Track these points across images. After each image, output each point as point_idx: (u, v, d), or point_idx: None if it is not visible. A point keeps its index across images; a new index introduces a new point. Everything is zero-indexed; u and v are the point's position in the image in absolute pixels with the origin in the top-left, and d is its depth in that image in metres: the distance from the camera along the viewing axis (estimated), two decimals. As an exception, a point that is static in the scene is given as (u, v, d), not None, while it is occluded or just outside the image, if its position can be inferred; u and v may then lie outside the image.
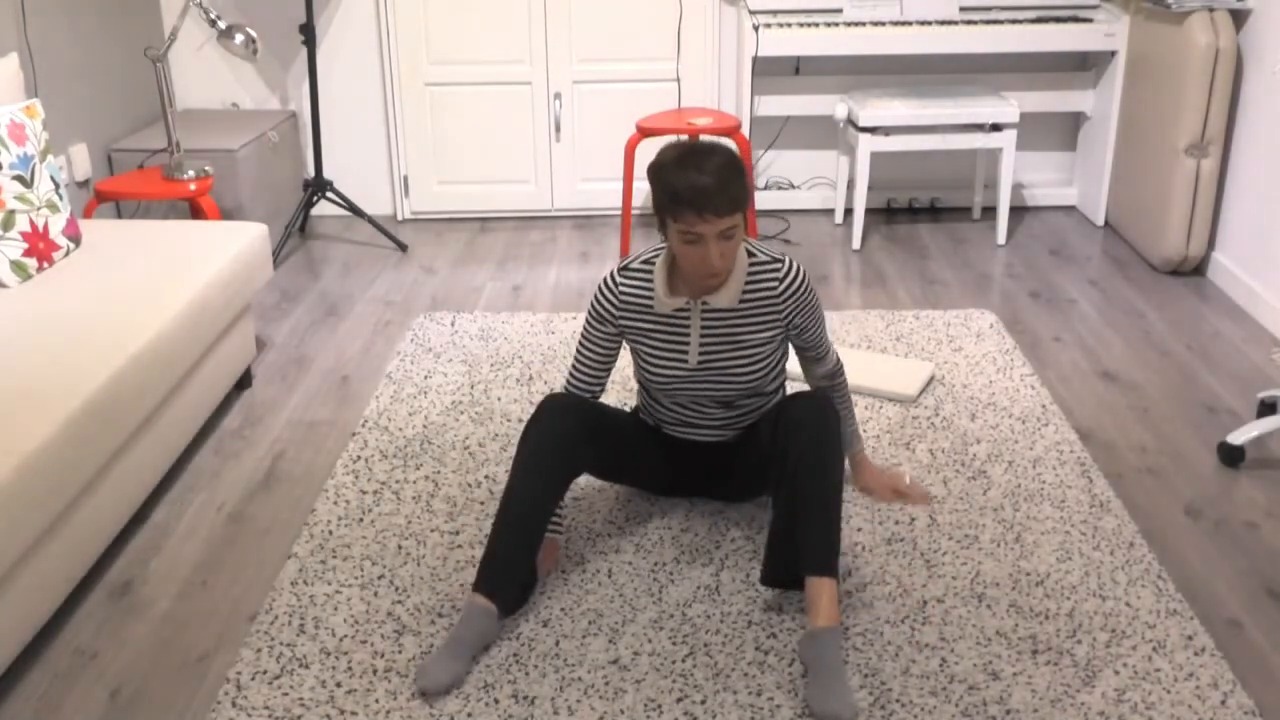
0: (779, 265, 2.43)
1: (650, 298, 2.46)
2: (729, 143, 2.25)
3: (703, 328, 2.45)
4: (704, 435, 2.61)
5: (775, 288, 2.43)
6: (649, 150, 4.84)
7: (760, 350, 2.47)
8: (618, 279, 2.48)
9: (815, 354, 2.57)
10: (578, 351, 2.55)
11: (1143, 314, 3.88)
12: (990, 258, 4.42)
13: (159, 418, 2.74)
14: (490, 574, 2.30)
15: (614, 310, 2.49)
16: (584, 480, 2.86)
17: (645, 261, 2.48)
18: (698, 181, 2.19)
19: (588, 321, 2.53)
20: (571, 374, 2.56)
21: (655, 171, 2.27)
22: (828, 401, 2.37)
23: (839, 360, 2.63)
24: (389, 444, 3.06)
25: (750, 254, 2.44)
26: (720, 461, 2.65)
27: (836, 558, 2.26)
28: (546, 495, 2.35)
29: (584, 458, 2.46)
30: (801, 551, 2.27)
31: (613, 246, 4.59)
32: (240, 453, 3.07)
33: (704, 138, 2.28)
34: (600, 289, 2.50)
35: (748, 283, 2.43)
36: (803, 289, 2.44)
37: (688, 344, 2.46)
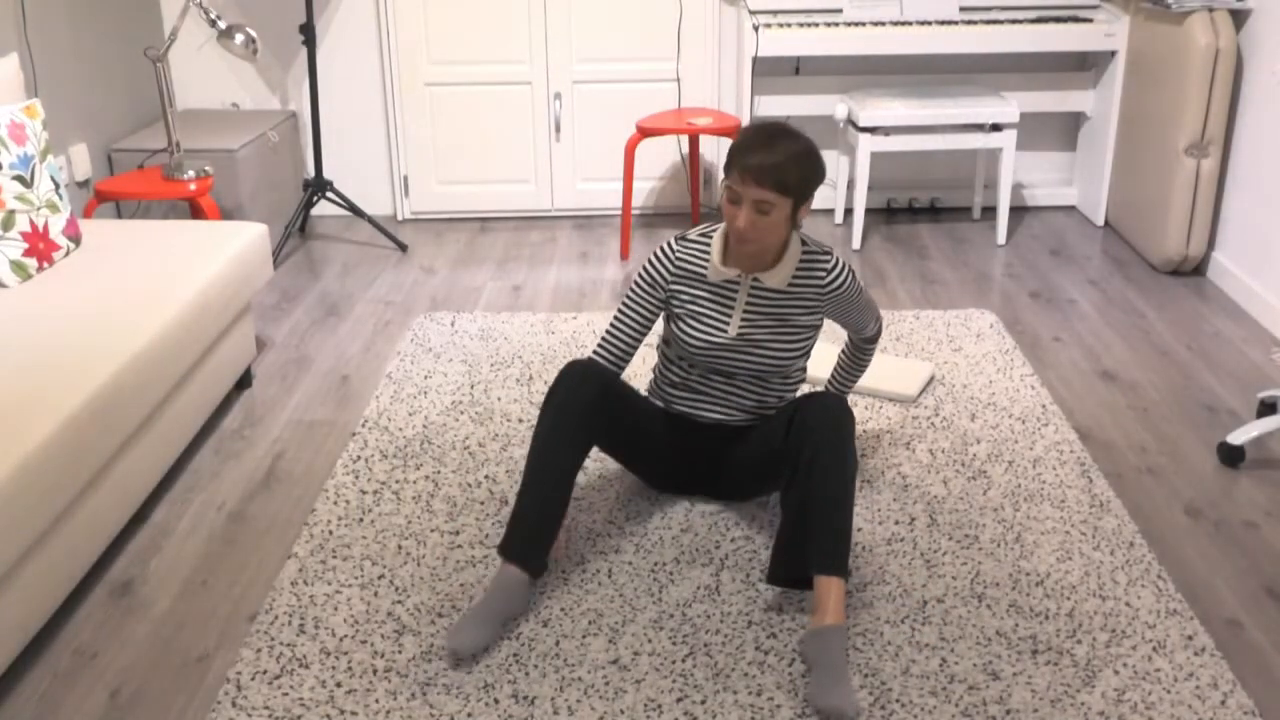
0: (827, 259, 2.51)
1: (705, 267, 2.53)
2: (815, 146, 2.39)
3: (748, 303, 2.52)
4: (714, 412, 2.64)
5: (823, 279, 2.51)
6: (649, 150, 4.84)
7: (798, 333, 2.54)
8: (675, 246, 2.55)
9: (853, 331, 2.70)
10: (615, 318, 2.59)
11: (1143, 314, 3.88)
12: (990, 258, 4.43)
13: (159, 418, 2.74)
14: (522, 541, 2.34)
15: (668, 275, 2.55)
16: (584, 479, 2.86)
17: (703, 234, 2.56)
18: (757, 148, 2.31)
19: (636, 285, 2.57)
20: (603, 341, 2.59)
21: (739, 132, 2.39)
22: (842, 402, 2.39)
23: (880, 328, 2.73)
24: (389, 444, 3.06)
25: (804, 243, 2.52)
26: (726, 449, 2.66)
27: (846, 557, 2.27)
28: (571, 461, 2.40)
29: (599, 427, 2.50)
30: (811, 550, 2.28)
31: (613, 247, 4.59)
32: (240, 453, 3.07)
33: (784, 124, 2.39)
34: (657, 254, 2.56)
35: (798, 270, 2.51)
36: (846, 286, 2.53)
37: (730, 315, 2.53)
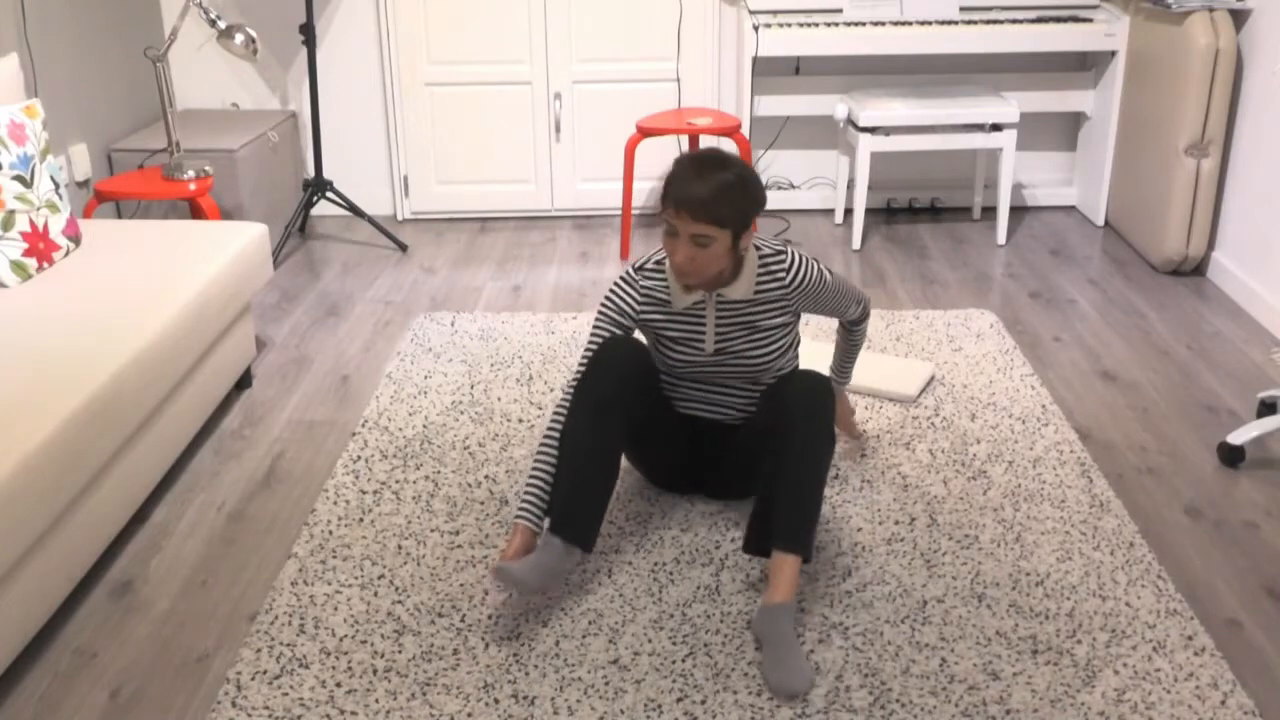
0: (783, 258, 2.50)
1: (668, 295, 2.53)
2: (751, 173, 2.37)
3: (718, 318, 2.52)
4: (715, 413, 2.66)
5: (784, 279, 2.50)
6: (649, 150, 4.84)
7: (773, 333, 2.55)
8: (637, 277, 2.54)
9: (837, 317, 2.70)
10: (591, 339, 2.54)
11: (1143, 314, 3.88)
12: (990, 258, 4.43)
13: (159, 418, 2.74)
14: (578, 523, 2.34)
15: (634, 305, 2.54)
16: (584, 480, 2.86)
17: (658, 263, 2.55)
18: (689, 181, 2.29)
19: (604, 315, 2.54)
20: (587, 352, 2.54)
21: (673, 163, 2.36)
22: (820, 381, 2.40)
23: (865, 310, 2.74)
24: (389, 444, 3.06)
25: (757, 248, 2.51)
26: (724, 447, 2.68)
27: (809, 538, 2.29)
28: (617, 437, 2.40)
29: (635, 403, 2.48)
30: (776, 523, 2.30)
31: (613, 247, 4.59)
32: (240, 453, 3.07)
33: (718, 151, 2.37)
34: (620, 286, 2.55)
35: (759, 276, 2.50)
36: (809, 280, 2.51)
37: (704, 334, 2.53)
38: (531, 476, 2.42)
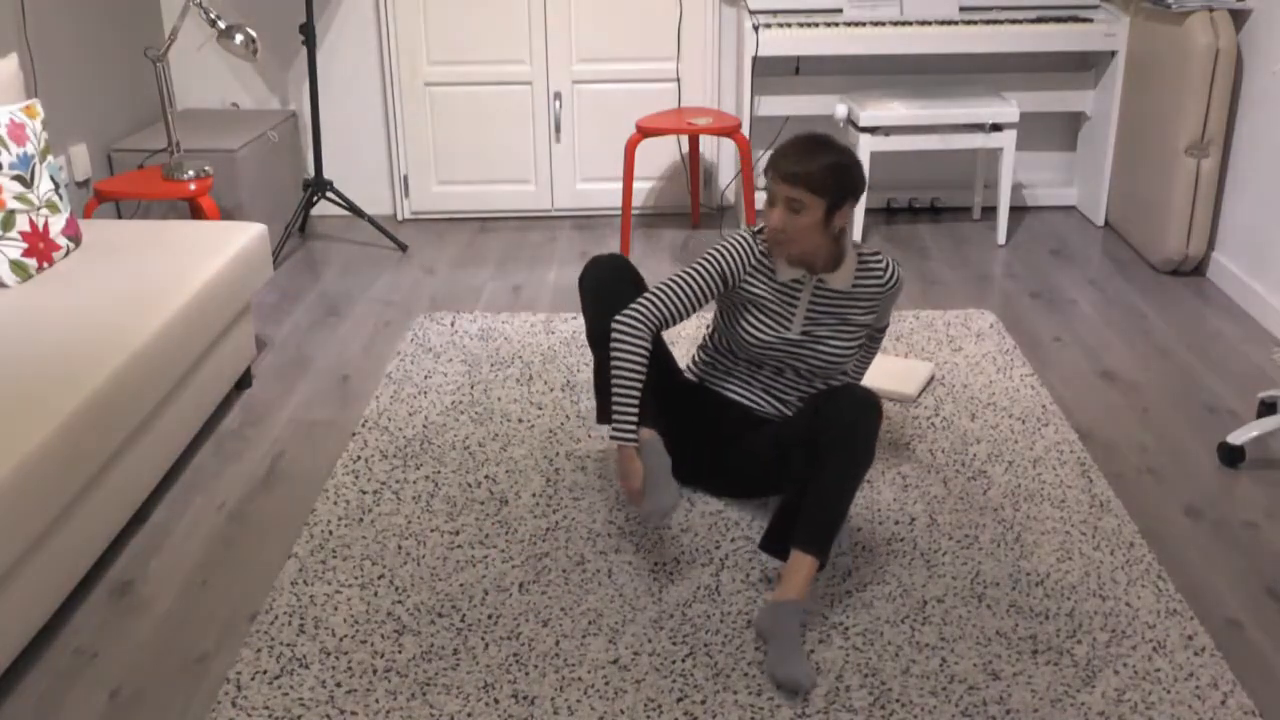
0: (880, 258, 2.65)
1: (773, 263, 2.61)
2: (855, 162, 2.50)
3: (811, 303, 2.60)
4: (750, 399, 2.70)
5: (880, 278, 2.64)
6: (649, 150, 4.84)
7: (857, 331, 2.64)
8: (755, 243, 2.61)
9: (879, 322, 2.81)
10: (677, 281, 2.54)
11: (1143, 314, 3.88)
12: (990, 258, 4.43)
13: (159, 418, 2.74)
14: (634, 413, 2.44)
15: (746, 265, 2.60)
16: (583, 479, 2.86)
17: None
18: (792, 151, 2.45)
19: (711, 262, 2.56)
20: (660, 294, 2.53)
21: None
22: (874, 398, 2.40)
23: (888, 319, 2.85)
24: (389, 444, 3.06)
25: (857, 246, 2.64)
26: (743, 433, 2.69)
27: (829, 544, 2.30)
28: (648, 344, 2.50)
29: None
30: (801, 524, 2.31)
31: (613, 247, 4.59)
32: (240, 453, 3.07)
33: (828, 136, 2.54)
34: (740, 243, 2.60)
35: (858, 272, 2.61)
36: (898, 283, 2.67)
37: (794, 315, 2.60)
38: (619, 399, 2.45)
